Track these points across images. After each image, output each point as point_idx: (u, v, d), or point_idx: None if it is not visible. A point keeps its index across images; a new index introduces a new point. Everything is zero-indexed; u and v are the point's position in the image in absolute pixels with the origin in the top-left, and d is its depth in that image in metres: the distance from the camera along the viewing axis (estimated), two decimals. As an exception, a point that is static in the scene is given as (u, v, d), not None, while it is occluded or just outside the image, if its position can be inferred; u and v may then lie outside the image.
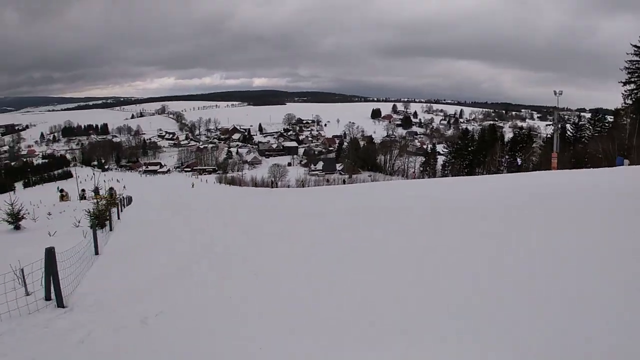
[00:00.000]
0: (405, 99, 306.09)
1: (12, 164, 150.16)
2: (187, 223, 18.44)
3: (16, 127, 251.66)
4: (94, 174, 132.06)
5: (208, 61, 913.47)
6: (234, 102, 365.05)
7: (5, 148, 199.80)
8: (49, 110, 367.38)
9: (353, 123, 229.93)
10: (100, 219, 15.71)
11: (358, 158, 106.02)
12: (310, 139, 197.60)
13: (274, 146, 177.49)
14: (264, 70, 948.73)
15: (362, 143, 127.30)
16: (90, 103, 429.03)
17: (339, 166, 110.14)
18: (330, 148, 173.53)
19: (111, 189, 41.26)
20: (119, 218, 20.74)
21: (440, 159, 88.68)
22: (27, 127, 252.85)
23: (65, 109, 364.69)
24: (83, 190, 48.46)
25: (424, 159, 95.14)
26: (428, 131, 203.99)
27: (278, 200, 28.61)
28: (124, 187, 75.42)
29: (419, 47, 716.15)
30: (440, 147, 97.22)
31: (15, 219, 16.10)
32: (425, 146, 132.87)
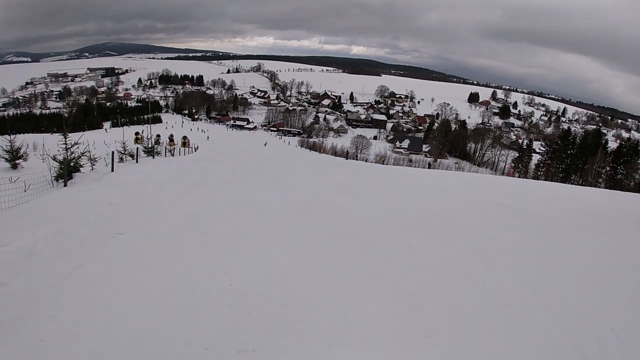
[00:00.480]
0: (507, 87, 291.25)
1: (107, 104, 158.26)
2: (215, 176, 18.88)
3: (116, 71, 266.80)
4: (182, 121, 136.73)
5: (308, 24, 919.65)
6: (329, 68, 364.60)
7: (103, 89, 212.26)
8: (150, 58, 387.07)
9: (447, 104, 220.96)
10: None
11: (447, 142, 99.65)
12: (400, 114, 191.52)
13: (362, 117, 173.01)
14: (363, 38, 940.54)
15: (453, 127, 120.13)
16: (190, 55, 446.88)
17: (425, 147, 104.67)
18: (420, 127, 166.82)
19: (184, 137, 47.36)
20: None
21: (535, 158, 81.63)
22: (126, 71, 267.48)
23: (165, 58, 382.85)
24: (158, 135, 50.15)
25: (517, 155, 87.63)
26: (526, 125, 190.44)
27: (342, 175, 25.34)
28: (207, 137, 76.12)
29: (527, 33, 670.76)
30: (537, 145, 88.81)
31: (13, 157, 15.90)
32: (520, 140, 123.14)
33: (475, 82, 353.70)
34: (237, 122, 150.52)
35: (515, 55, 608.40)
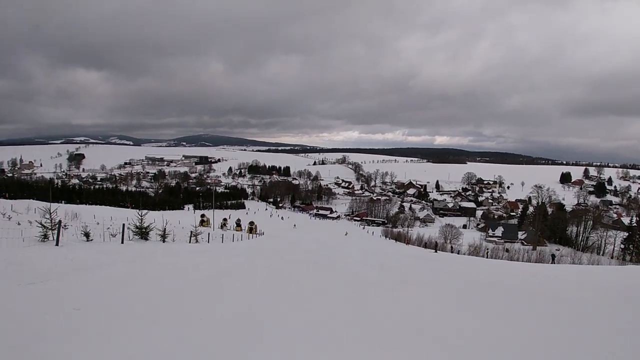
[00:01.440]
0: (598, 163, 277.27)
1: (197, 188, 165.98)
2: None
3: (209, 159, 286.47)
4: (266, 208, 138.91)
5: (391, 118, 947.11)
6: (413, 158, 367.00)
7: (195, 175, 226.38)
8: (242, 150, 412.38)
9: (541, 186, 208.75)
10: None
11: (545, 227, 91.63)
12: (490, 201, 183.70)
13: (450, 205, 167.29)
14: (446, 129, 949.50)
15: (549, 210, 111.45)
16: (279, 148, 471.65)
17: (521, 234, 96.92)
18: (512, 213, 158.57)
19: (251, 223, 50.05)
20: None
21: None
22: (219, 160, 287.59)
23: (256, 151, 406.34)
24: (225, 219, 51.30)
25: (626, 234, 78.21)
26: (625, 201, 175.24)
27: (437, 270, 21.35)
28: (295, 225, 75.70)
29: (612, 104, 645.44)
30: (647, 221, 79.13)
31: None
32: (622, 218, 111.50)
33: (564, 162, 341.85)
34: (320, 211, 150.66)
35: (602, 129, 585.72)
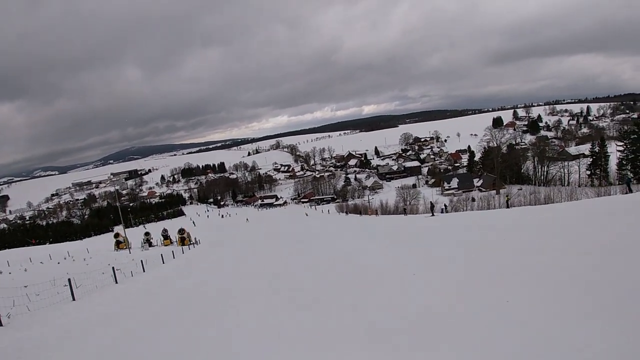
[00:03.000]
0: (522, 105, 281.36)
1: (131, 204, 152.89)
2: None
3: (139, 172, 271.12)
4: (207, 210, 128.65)
5: (319, 95, 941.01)
6: (346, 131, 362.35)
7: (127, 191, 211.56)
8: (172, 155, 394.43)
9: (476, 135, 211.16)
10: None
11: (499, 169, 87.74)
12: (432, 156, 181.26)
13: (395, 168, 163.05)
14: (373, 97, 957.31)
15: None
16: (210, 146, 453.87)
17: (476, 181, 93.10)
18: (456, 164, 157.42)
19: (181, 231, 39.34)
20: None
21: (614, 159, 70.33)
22: (149, 171, 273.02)
23: (187, 153, 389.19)
24: (147, 234, 42.30)
25: (590, 161, 75.73)
26: (559, 134, 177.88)
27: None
28: (247, 219, 66.59)
29: (529, 48, 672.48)
30: (611, 145, 76.74)
31: None
32: (566, 149, 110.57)
33: (490, 109, 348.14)
34: (266, 201, 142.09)
35: (521, 73, 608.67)
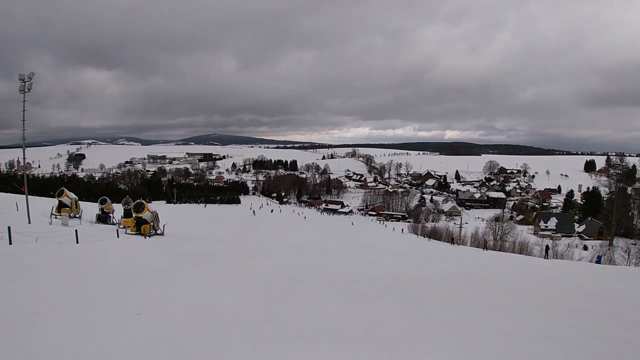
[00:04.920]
0: (614, 153, 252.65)
1: (195, 184, 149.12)
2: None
3: (214, 156, 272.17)
4: (268, 203, 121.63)
5: (404, 112, 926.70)
6: (425, 152, 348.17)
7: (196, 171, 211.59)
8: (250, 147, 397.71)
9: (567, 175, 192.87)
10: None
11: (610, 217, 73.10)
12: (518, 190, 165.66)
13: (477, 196, 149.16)
14: (458, 122, 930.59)
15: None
16: (288, 145, 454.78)
17: (578, 227, 79.22)
18: (545, 203, 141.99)
19: (139, 207, 23.70)
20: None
21: None
22: (224, 157, 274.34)
23: (264, 148, 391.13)
24: (104, 200, 29.01)
25: None
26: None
27: None
28: (304, 217, 57.24)
29: (627, 95, 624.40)
30: None
31: None
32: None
33: (578, 152, 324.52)
34: (330, 206, 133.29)
35: (614, 120, 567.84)
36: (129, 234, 22.18)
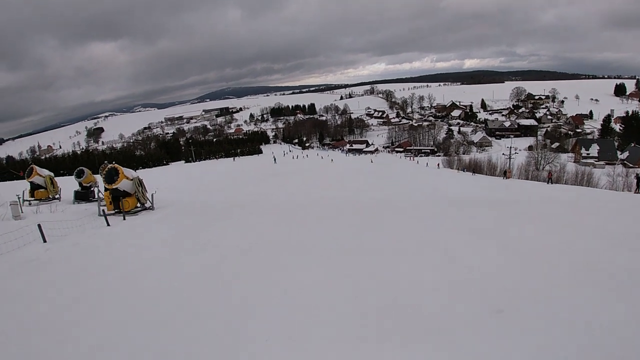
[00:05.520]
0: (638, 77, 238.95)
1: (214, 139, 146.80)
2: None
3: (230, 110, 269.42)
4: (290, 150, 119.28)
5: (420, 44, 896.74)
6: (446, 82, 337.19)
7: (215, 127, 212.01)
8: (265, 96, 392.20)
9: (597, 100, 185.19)
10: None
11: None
12: (549, 117, 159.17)
13: (507, 125, 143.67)
14: (477, 51, 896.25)
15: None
16: (304, 90, 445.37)
17: (621, 154, 75.14)
18: (578, 130, 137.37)
19: (111, 173, 16.17)
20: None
21: None
22: (240, 109, 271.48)
23: (280, 95, 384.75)
24: (80, 173, 21.25)
25: None
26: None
27: None
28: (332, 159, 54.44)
29: None
30: None
31: None
32: None
33: (605, 76, 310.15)
34: (355, 146, 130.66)
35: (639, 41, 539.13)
36: (109, 213, 15.32)
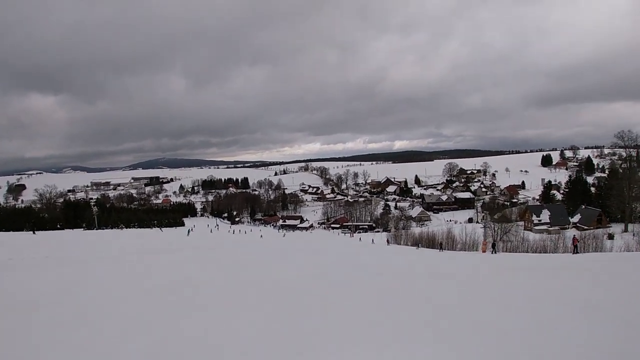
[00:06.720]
0: (560, 148, 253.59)
1: (131, 206, 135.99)
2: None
3: (161, 180, 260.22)
4: (217, 225, 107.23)
5: (355, 125, 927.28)
6: (378, 162, 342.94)
7: (143, 196, 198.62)
8: (199, 169, 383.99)
9: (527, 171, 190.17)
10: None
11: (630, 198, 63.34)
12: (484, 189, 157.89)
13: (444, 198, 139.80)
14: (406, 132, 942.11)
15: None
16: (239, 165, 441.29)
17: (572, 217, 69.94)
18: (514, 200, 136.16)
19: None
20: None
21: None
22: (171, 180, 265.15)
23: (214, 168, 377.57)
24: None
25: None
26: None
27: None
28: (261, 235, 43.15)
29: (570, 93, 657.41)
30: None
31: None
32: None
33: (528, 150, 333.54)
34: (288, 222, 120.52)
35: (557, 118, 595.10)
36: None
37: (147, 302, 9.10)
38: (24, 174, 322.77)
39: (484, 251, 33.75)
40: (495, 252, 31.10)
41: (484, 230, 54.14)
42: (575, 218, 69.39)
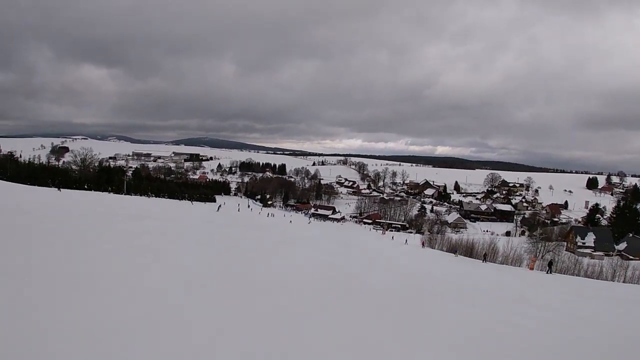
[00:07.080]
0: (613, 173, 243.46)
1: (167, 178, 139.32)
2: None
3: (201, 157, 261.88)
4: (249, 205, 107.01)
5: (399, 126, 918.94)
6: (417, 164, 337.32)
7: (181, 170, 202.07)
8: (239, 151, 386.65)
9: (571, 192, 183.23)
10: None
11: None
12: (525, 204, 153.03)
13: (483, 208, 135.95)
14: (451, 139, 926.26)
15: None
16: (279, 152, 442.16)
17: (618, 245, 66.24)
18: (555, 219, 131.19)
19: None
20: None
21: None
22: (211, 158, 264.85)
23: (254, 152, 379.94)
24: None
25: None
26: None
27: None
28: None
29: (623, 118, 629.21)
30: None
31: None
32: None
33: (573, 171, 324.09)
34: (320, 211, 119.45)
35: (607, 142, 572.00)
36: None
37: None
38: (70, 138, 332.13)
39: (531, 268, 31.81)
40: (550, 272, 29.34)
41: (533, 246, 51.58)
42: (621, 246, 65.75)
